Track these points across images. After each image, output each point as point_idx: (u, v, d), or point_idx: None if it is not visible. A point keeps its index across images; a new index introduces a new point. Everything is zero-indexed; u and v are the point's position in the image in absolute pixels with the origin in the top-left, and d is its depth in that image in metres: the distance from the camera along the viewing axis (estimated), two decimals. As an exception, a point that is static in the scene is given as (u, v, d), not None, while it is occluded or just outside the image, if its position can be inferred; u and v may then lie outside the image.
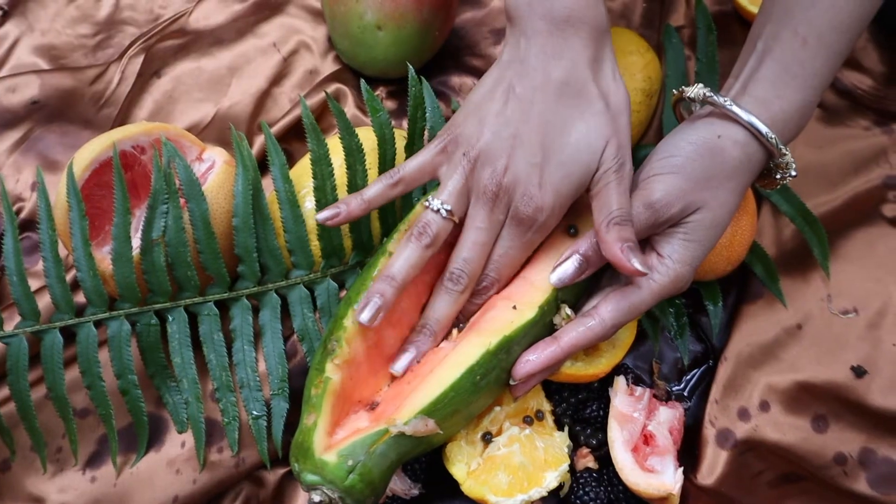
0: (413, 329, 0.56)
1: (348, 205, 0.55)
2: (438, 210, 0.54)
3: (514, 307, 0.54)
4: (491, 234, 0.54)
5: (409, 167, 0.56)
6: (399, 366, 0.54)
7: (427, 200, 0.54)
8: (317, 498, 0.48)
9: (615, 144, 0.53)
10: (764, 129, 0.52)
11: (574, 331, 0.53)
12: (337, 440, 0.50)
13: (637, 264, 0.50)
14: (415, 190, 0.63)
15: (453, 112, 0.67)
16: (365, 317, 0.52)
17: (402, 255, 0.54)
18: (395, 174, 0.55)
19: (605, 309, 0.53)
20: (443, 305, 0.55)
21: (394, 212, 0.63)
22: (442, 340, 0.56)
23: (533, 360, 0.53)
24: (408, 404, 0.50)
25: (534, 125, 0.52)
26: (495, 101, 0.54)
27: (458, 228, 0.55)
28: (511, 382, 0.54)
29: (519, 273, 0.57)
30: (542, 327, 0.54)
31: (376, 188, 0.56)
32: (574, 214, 0.57)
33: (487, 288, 0.56)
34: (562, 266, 0.54)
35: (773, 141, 0.52)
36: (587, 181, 0.53)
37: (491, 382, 0.53)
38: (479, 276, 0.55)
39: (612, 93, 0.54)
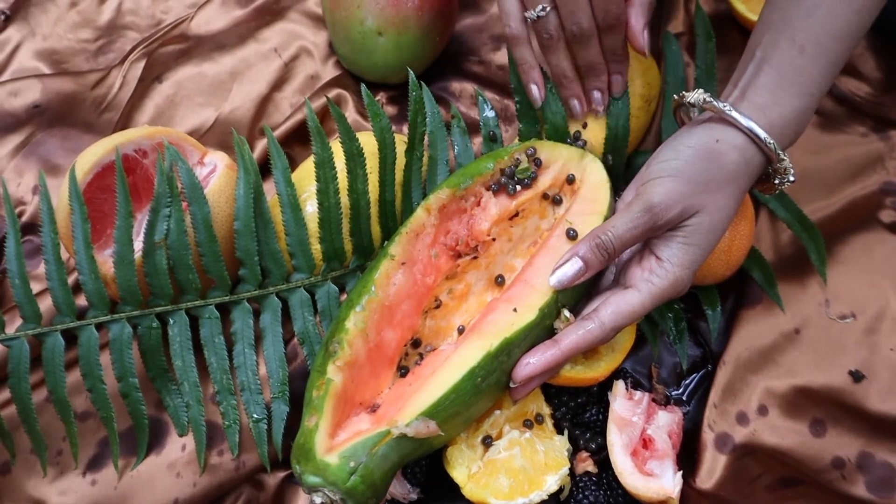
0: (414, 331, 0.57)
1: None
2: (539, 16, 0.60)
3: (515, 310, 0.54)
4: None
5: (508, 13, 0.61)
6: (578, 109, 0.64)
7: (527, 18, 0.60)
8: (318, 500, 0.49)
9: None
10: (763, 134, 0.52)
11: (574, 334, 0.53)
12: (338, 442, 0.50)
13: (646, 45, 0.61)
14: (415, 192, 0.64)
15: (453, 118, 0.68)
16: (576, 110, 0.64)
17: (553, 63, 0.62)
18: (518, 31, 0.62)
19: (604, 312, 0.53)
20: (585, 54, 0.62)
21: (394, 216, 0.63)
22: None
23: (533, 362, 0.53)
24: (409, 406, 0.51)
25: None
26: None
27: None
28: (511, 385, 0.54)
29: (519, 276, 0.57)
30: (543, 330, 0.54)
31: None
32: (574, 217, 0.58)
33: (616, 18, 0.60)
34: (561, 268, 0.54)
35: (772, 146, 0.53)
36: None
37: (491, 384, 0.53)
38: (594, 19, 0.60)
39: None
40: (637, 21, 0.60)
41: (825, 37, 0.52)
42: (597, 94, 0.64)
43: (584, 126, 0.65)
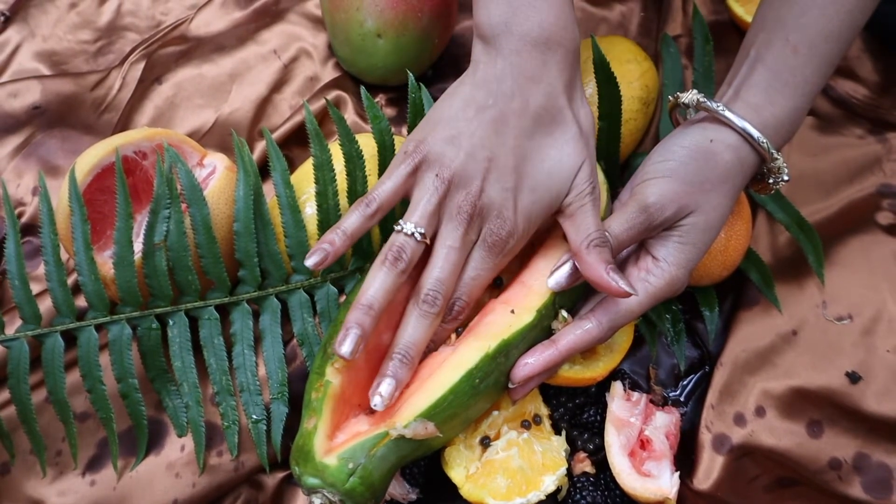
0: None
1: (332, 244, 0.52)
2: (412, 234, 0.51)
3: (512, 311, 0.54)
4: (463, 254, 0.53)
5: (382, 192, 0.53)
6: (378, 401, 0.50)
7: (399, 224, 0.52)
8: (318, 501, 0.49)
9: (588, 168, 0.53)
10: (756, 133, 0.53)
11: (572, 334, 0.53)
12: (337, 443, 0.50)
13: (624, 285, 0.50)
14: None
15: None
16: (346, 349, 0.50)
17: (375, 282, 0.51)
18: (372, 202, 0.53)
19: (601, 312, 0.53)
20: (418, 329, 0.52)
21: (393, 216, 0.63)
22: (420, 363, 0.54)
23: (531, 363, 0.53)
24: (407, 407, 0.51)
25: (509, 149, 0.52)
26: (469, 122, 0.52)
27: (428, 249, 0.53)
28: (510, 385, 0.54)
29: (517, 278, 0.57)
30: (540, 331, 0.55)
31: (354, 219, 0.53)
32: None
33: (459, 312, 0.54)
34: (559, 270, 0.54)
35: (765, 146, 0.53)
36: (556, 206, 0.53)
37: (490, 386, 0.53)
38: (451, 298, 0.53)
39: (583, 117, 0.54)
40: (594, 272, 0.51)
41: (818, 37, 0.53)
42: (381, 391, 0.51)
43: None
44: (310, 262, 0.52)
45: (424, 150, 0.52)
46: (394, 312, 0.56)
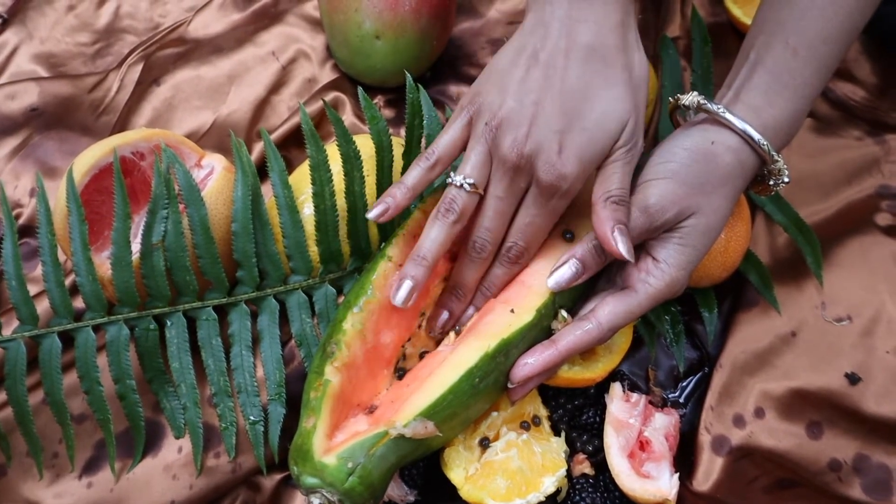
0: (411, 332, 0.57)
1: (395, 197, 0.55)
2: (462, 185, 0.53)
3: (512, 311, 0.54)
4: (511, 202, 0.54)
5: (441, 146, 0.55)
6: (440, 322, 0.56)
7: (450, 177, 0.54)
8: (316, 501, 0.49)
9: (634, 120, 0.52)
10: (756, 135, 0.53)
11: (571, 334, 0.53)
12: (336, 443, 0.50)
13: (623, 249, 0.50)
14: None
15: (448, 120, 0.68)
16: (399, 297, 0.53)
17: (430, 235, 0.53)
18: (431, 155, 0.55)
19: (601, 312, 0.53)
20: (469, 272, 0.56)
21: (392, 225, 0.63)
22: (468, 307, 0.57)
23: (531, 362, 0.53)
24: (407, 407, 0.51)
25: (556, 92, 0.51)
26: (518, 68, 0.53)
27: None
28: (509, 385, 0.54)
29: (516, 277, 0.57)
30: (540, 331, 0.55)
31: (416, 174, 0.55)
32: (571, 219, 0.58)
33: (518, 256, 0.55)
34: (558, 270, 0.54)
35: (766, 148, 0.53)
36: (609, 149, 0.52)
37: (489, 385, 0.53)
38: (500, 244, 0.55)
39: (636, 64, 0.53)
40: (601, 227, 0.51)
41: (818, 39, 0.53)
42: (439, 319, 0.57)
43: None
44: (372, 214, 0.55)
45: (478, 102, 0.54)
46: (394, 313, 0.56)
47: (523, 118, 0.51)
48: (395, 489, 0.57)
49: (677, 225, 0.53)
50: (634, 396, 0.61)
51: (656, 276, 0.53)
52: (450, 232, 0.53)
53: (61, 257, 0.65)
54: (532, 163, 0.52)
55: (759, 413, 0.62)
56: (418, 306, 0.57)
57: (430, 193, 0.60)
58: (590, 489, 0.59)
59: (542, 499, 0.55)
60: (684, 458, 0.61)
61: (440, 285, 0.59)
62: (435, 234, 0.53)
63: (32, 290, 0.60)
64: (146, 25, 0.86)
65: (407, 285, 0.53)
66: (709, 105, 0.54)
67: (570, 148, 0.51)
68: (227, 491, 0.61)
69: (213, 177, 0.63)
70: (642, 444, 0.59)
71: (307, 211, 0.63)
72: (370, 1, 0.71)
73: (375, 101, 0.78)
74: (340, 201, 0.62)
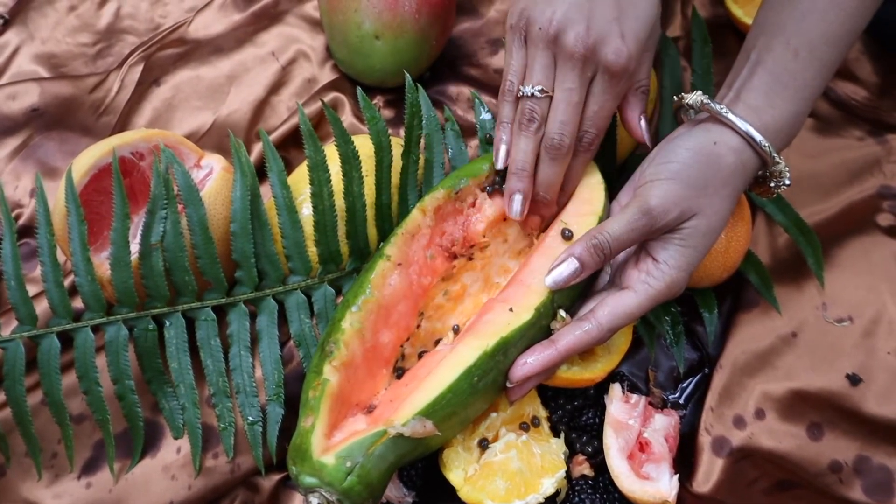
0: (410, 332, 0.57)
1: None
2: (533, 94, 0.56)
3: (511, 309, 0.54)
4: (581, 93, 0.56)
5: (514, 72, 0.57)
6: (515, 209, 0.58)
7: (520, 91, 0.56)
8: (315, 500, 0.48)
9: (658, 10, 0.57)
10: (758, 136, 0.52)
11: (571, 334, 0.53)
12: (335, 442, 0.50)
13: (647, 137, 0.58)
14: (410, 194, 0.64)
15: (446, 121, 0.68)
16: (515, 209, 0.57)
17: (520, 148, 0.57)
18: (512, 87, 0.57)
19: (601, 312, 0.53)
20: (550, 171, 0.57)
21: (390, 217, 0.63)
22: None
23: (530, 362, 0.53)
24: (405, 406, 0.50)
25: None
26: None
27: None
28: (508, 385, 0.54)
29: (515, 276, 0.57)
30: (539, 330, 0.54)
31: (508, 110, 0.58)
32: (570, 217, 0.58)
33: (590, 144, 0.57)
34: (557, 268, 0.54)
35: (767, 149, 0.53)
36: (658, 32, 0.58)
37: (488, 385, 0.53)
38: (576, 137, 0.57)
39: None
40: (632, 113, 0.58)
41: (818, 40, 0.53)
42: (536, 218, 0.61)
43: None
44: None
45: (526, 16, 0.56)
46: (392, 312, 0.56)
47: (580, 15, 0.55)
48: (394, 490, 0.57)
49: (678, 226, 0.53)
50: (634, 397, 0.61)
51: (656, 277, 0.53)
52: (535, 140, 0.57)
53: (60, 258, 0.65)
54: (598, 52, 0.55)
55: (759, 414, 0.61)
56: (416, 306, 0.57)
57: (429, 193, 0.60)
58: (589, 490, 0.59)
59: (542, 500, 0.55)
60: (684, 460, 0.61)
61: (439, 286, 0.59)
62: (524, 146, 0.57)
63: (32, 290, 0.60)
64: (147, 26, 0.86)
65: (518, 198, 0.57)
66: (712, 105, 0.54)
67: (629, 32, 0.55)
68: (226, 491, 0.61)
69: (212, 177, 0.63)
70: (642, 446, 0.59)
71: (306, 211, 0.63)
72: (370, 1, 0.71)
73: (375, 101, 0.78)
74: (339, 202, 0.62)
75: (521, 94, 0.56)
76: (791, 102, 0.53)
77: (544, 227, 0.61)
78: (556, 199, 0.59)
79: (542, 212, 0.60)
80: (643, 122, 0.58)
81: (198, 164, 0.65)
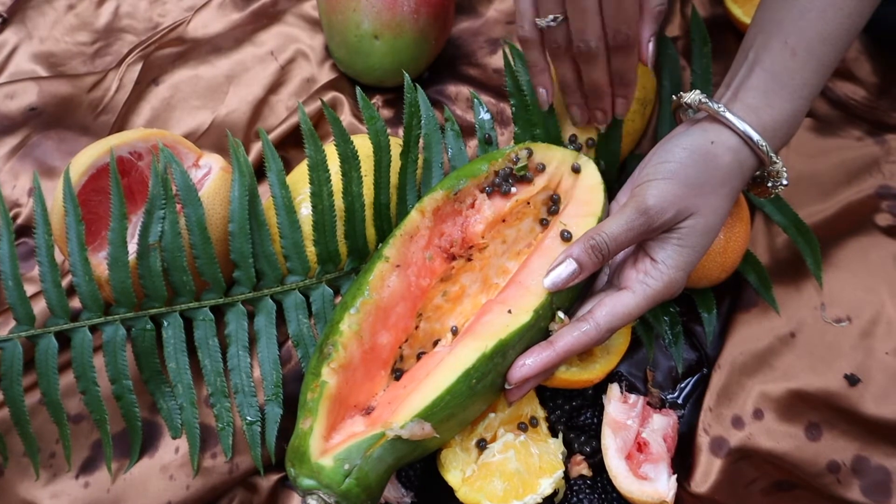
0: (408, 333, 0.57)
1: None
2: (549, 25, 0.58)
3: (510, 311, 0.54)
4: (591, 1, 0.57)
5: (525, 10, 0.59)
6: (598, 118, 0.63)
7: (540, 23, 0.58)
8: (313, 503, 0.48)
9: None
10: (756, 136, 0.52)
11: (569, 335, 0.53)
12: (333, 444, 0.50)
13: (650, 57, 0.60)
14: (409, 194, 0.64)
15: (446, 121, 0.68)
16: (575, 117, 0.64)
17: (561, 71, 0.62)
18: (522, 28, 0.60)
19: (599, 313, 0.53)
20: (592, 74, 0.60)
21: (389, 217, 0.63)
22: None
23: (529, 363, 0.53)
24: (404, 408, 0.50)
25: None
26: None
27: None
28: (507, 386, 0.54)
29: (514, 277, 0.57)
30: (537, 332, 0.54)
31: (535, 56, 0.62)
32: (569, 219, 0.58)
33: (626, 39, 0.58)
34: (555, 270, 0.54)
35: (765, 149, 0.53)
36: None
37: (486, 386, 0.53)
38: (603, 39, 0.58)
39: None
40: (644, 31, 0.59)
41: (816, 40, 0.53)
42: (598, 114, 0.64)
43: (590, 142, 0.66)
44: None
45: None
46: (391, 314, 0.56)
47: None
48: (392, 491, 0.57)
49: (676, 225, 0.53)
50: (632, 397, 0.61)
51: (654, 277, 0.53)
52: (568, 57, 0.60)
53: (58, 257, 0.65)
54: None
55: (757, 414, 0.61)
56: (414, 307, 0.57)
57: (427, 194, 0.59)
58: (587, 491, 0.59)
59: (540, 500, 0.55)
60: (682, 460, 0.61)
61: (438, 287, 0.59)
62: (562, 67, 0.62)
63: (29, 290, 0.60)
64: (145, 25, 0.86)
65: (574, 110, 0.64)
66: (710, 104, 0.54)
67: None
68: (224, 491, 0.61)
69: (211, 177, 0.63)
70: (640, 446, 0.59)
71: (305, 211, 0.63)
72: (369, 1, 0.71)
73: (374, 101, 0.78)
74: (338, 201, 0.62)
75: (540, 26, 0.58)
76: (789, 102, 0.53)
77: (605, 117, 0.64)
78: (612, 92, 0.62)
79: (601, 105, 0.63)
80: (651, 45, 0.59)
81: (196, 164, 0.65)
